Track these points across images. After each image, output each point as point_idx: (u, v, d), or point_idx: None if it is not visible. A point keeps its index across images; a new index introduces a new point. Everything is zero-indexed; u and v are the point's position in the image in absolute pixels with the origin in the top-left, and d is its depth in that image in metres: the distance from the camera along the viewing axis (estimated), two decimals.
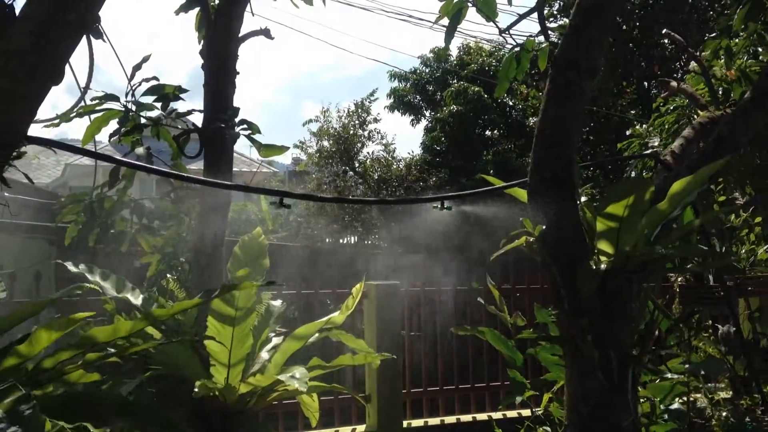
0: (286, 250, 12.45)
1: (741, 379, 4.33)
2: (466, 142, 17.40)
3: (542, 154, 2.86)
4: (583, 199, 2.95)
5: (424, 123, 20.15)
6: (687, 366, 4.36)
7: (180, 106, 4.80)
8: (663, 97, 5.90)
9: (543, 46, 5.44)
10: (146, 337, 3.80)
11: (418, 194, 16.51)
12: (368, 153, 19.29)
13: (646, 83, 17.97)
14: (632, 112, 16.37)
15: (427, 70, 20.33)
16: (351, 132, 18.67)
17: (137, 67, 4.11)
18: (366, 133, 18.99)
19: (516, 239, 2.92)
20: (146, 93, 4.15)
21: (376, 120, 19.53)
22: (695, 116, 4.59)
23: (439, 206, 3.18)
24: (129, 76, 4.05)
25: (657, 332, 3.92)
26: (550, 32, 5.15)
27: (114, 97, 4.05)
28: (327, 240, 17.89)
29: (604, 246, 2.73)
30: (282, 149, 4.35)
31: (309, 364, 3.95)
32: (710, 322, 4.84)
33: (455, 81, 18.80)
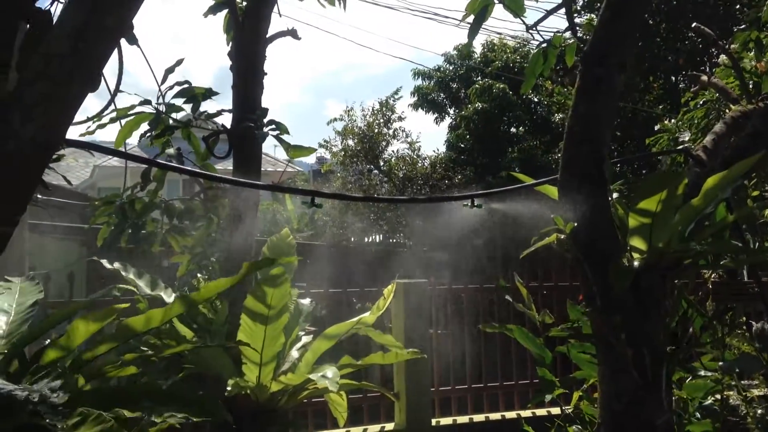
0: (312, 248, 12.51)
1: None
2: (491, 140, 17.32)
3: (573, 151, 2.84)
4: (614, 195, 2.93)
5: (448, 121, 20.11)
6: (721, 363, 4.31)
7: (208, 107, 4.87)
8: (693, 92, 5.83)
9: (570, 42, 5.42)
10: (179, 338, 3.86)
11: (443, 192, 16.47)
12: (393, 151, 19.34)
13: (673, 78, 17.75)
14: (660, 107, 16.16)
15: (451, 68, 20.27)
16: (376, 130, 18.70)
17: (170, 71, 4.16)
18: (391, 132, 19.03)
19: (547, 237, 2.91)
20: (177, 95, 4.21)
21: (400, 118, 19.56)
22: (726, 110, 4.53)
23: (469, 204, 3.18)
24: (161, 80, 4.10)
25: (691, 330, 3.89)
26: (577, 28, 5.12)
27: (147, 102, 4.11)
28: (352, 239, 17.93)
29: (636, 242, 2.71)
30: (310, 150, 4.38)
31: (339, 362, 3.97)
32: (744, 318, 4.77)
33: (479, 78, 18.72)
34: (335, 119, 19.36)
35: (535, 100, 18.56)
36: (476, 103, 17.22)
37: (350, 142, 18.98)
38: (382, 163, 18.85)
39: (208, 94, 4.24)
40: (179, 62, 4.20)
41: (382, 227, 17.91)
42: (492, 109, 17.16)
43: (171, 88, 4.14)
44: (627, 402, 2.60)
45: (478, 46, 20.13)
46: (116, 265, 4.43)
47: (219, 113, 4.30)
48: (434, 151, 19.95)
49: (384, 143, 18.95)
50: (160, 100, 4.17)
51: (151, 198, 5.14)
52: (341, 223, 18.27)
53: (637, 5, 2.94)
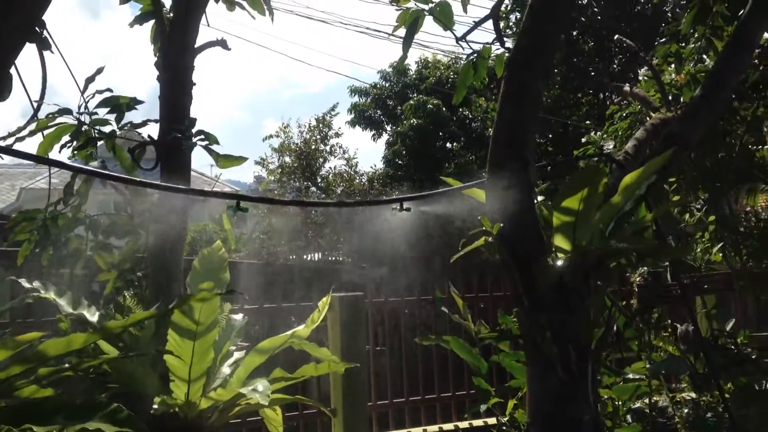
0: (249, 267, 12.32)
1: (701, 377, 4.39)
2: (428, 156, 17.50)
3: (499, 154, 2.88)
4: (539, 198, 2.98)
5: (385, 137, 20.22)
6: (648, 366, 4.42)
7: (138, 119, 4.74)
8: (616, 102, 6.03)
9: (499, 52, 5.53)
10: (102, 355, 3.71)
11: (380, 208, 16.50)
12: (330, 168, 19.28)
13: (601, 95, 18.35)
14: (588, 122, 16.67)
15: (387, 85, 20.43)
16: (313, 147, 18.64)
17: (90, 79, 4.04)
18: (328, 148, 18.99)
19: (475, 239, 2.93)
20: (100, 105, 4.08)
21: (337, 135, 19.55)
22: (647, 119, 4.68)
23: (398, 208, 3.18)
24: (82, 89, 3.97)
25: (617, 332, 3.98)
26: (505, 39, 5.23)
27: (67, 111, 3.98)
28: (291, 257, 17.75)
29: (560, 242, 2.75)
30: (240, 159, 4.31)
31: (271, 375, 3.90)
32: (669, 321, 4.91)
33: (415, 95, 18.92)
34: (271, 136, 19.20)
35: (470, 116, 18.87)
36: (411, 119, 17.39)
37: (287, 159, 18.85)
38: (319, 180, 18.79)
39: (133, 103, 4.13)
40: (100, 70, 4.08)
41: (320, 245, 17.80)
42: (427, 125, 17.36)
43: (93, 96, 4.01)
44: (554, 400, 2.62)
45: (412, 63, 20.38)
46: (35, 283, 4.24)
47: (145, 123, 4.19)
48: (372, 167, 20.03)
49: (321, 160, 18.91)
50: (83, 111, 4.02)
51: (75, 213, 4.96)
52: (278, 242, 18.07)
53: (559, 12, 3.01)
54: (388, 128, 20.28)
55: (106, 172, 3.50)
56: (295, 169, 18.48)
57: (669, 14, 14.99)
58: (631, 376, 4.44)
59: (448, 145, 18.50)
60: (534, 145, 2.96)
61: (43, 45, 3.03)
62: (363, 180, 18.52)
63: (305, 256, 18.08)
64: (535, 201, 2.84)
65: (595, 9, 17.28)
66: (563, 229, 2.72)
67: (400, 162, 18.38)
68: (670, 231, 4.04)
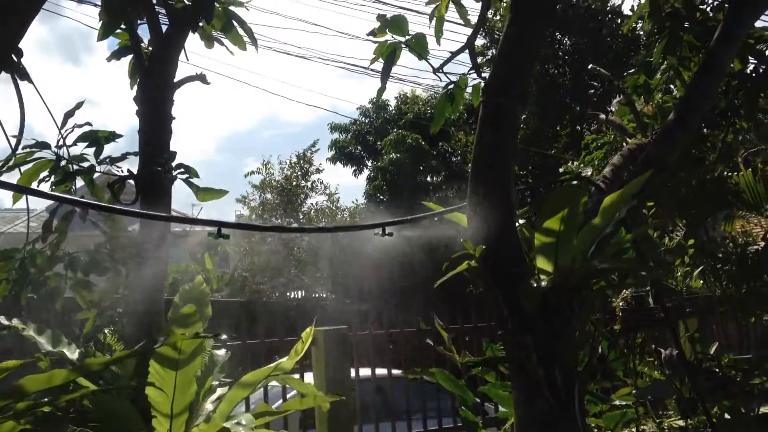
0: (230, 306, 12.22)
1: (688, 401, 4.39)
2: (408, 190, 17.60)
3: (480, 178, 2.90)
4: (520, 221, 2.99)
5: (366, 173, 20.32)
6: (634, 391, 4.41)
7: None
8: (593, 131, 6.11)
9: (475, 83, 5.60)
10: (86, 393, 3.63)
11: (363, 242, 16.49)
12: (312, 204, 19.30)
13: (578, 127, 18.62)
14: (568, 153, 16.88)
15: (366, 121, 20.60)
16: (294, 183, 18.66)
17: (70, 114, 4.02)
18: (309, 184, 19.03)
19: (458, 263, 2.93)
20: (79, 139, 4.06)
21: (318, 170, 19.60)
22: (623, 145, 4.75)
23: (380, 233, 3.18)
24: (61, 123, 3.95)
25: (602, 356, 3.98)
26: (481, 70, 5.31)
27: (45, 145, 3.95)
28: (274, 295, 17.62)
29: (542, 263, 2.76)
30: (221, 193, 4.30)
31: (256, 410, 3.83)
32: (653, 346, 4.92)
33: (395, 130, 19.09)
34: (252, 172, 19.20)
35: (450, 149, 19.04)
36: (391, 153, 17.51)
37: (268, 196, 18.84)
38: (301, 216, 18.77)
39: (112, 137, 4.12)
40: (79, 105, 4.07)
41: (304, 281, 17.70)
42: (406, 159, 17.48)
43: (72, 131, 3.99)
44: (542, 425, 2.60)
45: (392, 99, 20.61)
46: (14, 321, 4.16)
47: (124, 157, 4.17)
48: (353, 202, 20.07)
49: (303, 196, 18.92)
50: (61, 145, 4.00)
51: (53, 251, 4.91)
52: (261, 280, 17.95)
53: (533, 37, 3.07)
54: (369, 164, 20.40)
55: (89, 201, 3.46)
56: (277, 206, 18.47)
57: (642, 45, 15.33)
58: (617, 402, 4.43)
59: (429, 178, 18.63)
60: (513, 168, 2.99)
61: (21, 74, 3.02)
62: (345, 215, 18.53)
63: (288, 294, 17.97)
64: (516, 223, 2.86)
65: (568, 42, 17.64)
66: (545, 250, 2.72)
67: (381, 197, 18.45)
68: (650, 254, 4.07)
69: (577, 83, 17.95)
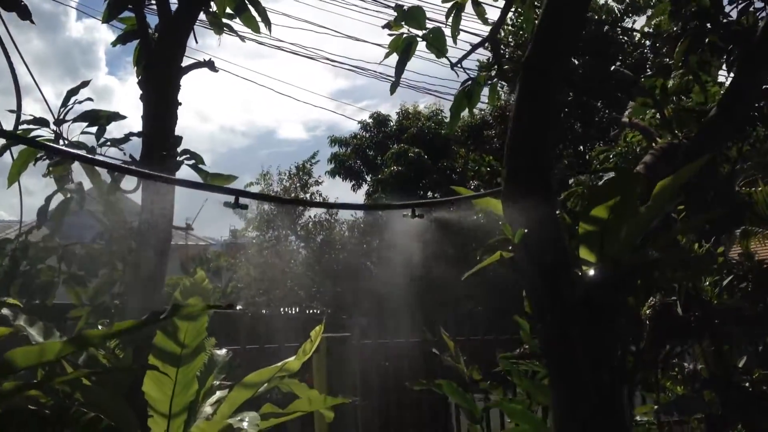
0: (222, 318, 11.91)
1: (717, 418, 4.13)
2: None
3: (516, 162, 2.67)
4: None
5: (365, 188, 20.12)
6: (656, 406, 4.15)
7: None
8: (613, 135, 5.91)
9: (493, 81, 5.38)
10: (78, 386, 3.36)
11: (361, 257, 16.25)
12: (310, 216, 19.04)
13: (581, 147, 18.49)
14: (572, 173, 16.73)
15: (367, 135, 20.45)
16: (292, 195, 18.42)
17: (73, 92, 3.78)
18: (308, 196, 18.77)
19: (494, 249, 2.69)
20: (79, 118, 3.82)
21: (317, 182, 19.39)
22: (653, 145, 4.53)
23: (410, 214, 2.96)
24: (63, 101, 3.71)
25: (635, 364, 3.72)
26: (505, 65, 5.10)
27: (44, 122, 3.69)
28: (265, 310, 17.28)
29: (585, 254, 2.52)
30: (231, 178, 4.06)
31: (261, 410, 3.55)
32: (676, 359, 4.68)
33: (395, 145, 18.93)
34: (251, 183, 18.95)
35: (451, 165, 18.87)
36: (393, 166, 17.33)
37: (266, 207, 18.59)
38: (299, 229, 18.50)
39: (115, 117, 3.87)
40: (85, 84, 3.84)
41: (299, 294, 17.38)
42: (408, 173, 17.29)
43: (72, 107, 3.73)
44: (585, 427, 2.34)
45: (393, 114, 20.49)
46: (4, 311, 3.90)
47: (127, 138, 3.92)
48: (352, 215, 19.84)
49: (301, 208, 18.69)
50: (61, 121, 3.75)
51: (46, 242, 4.65)
52: (256, 293, 17.61)
53: (575, 12, 2.84)
54: (368, 178, 20.21)
55: (105, 160, 3.19)
56: (275, 217, 18.21)
57: (649, 67, 15.21)
58: (638, 418, 4.19)
59: (430, 193, 18.43)
60: (552, 150, 2.76)
61: (22, 14, 2.79)
62: (343, 228, 18.29)
63: (282, 310, 17.64)
64: (557, 209, 2.62)
65: (576, 62, 17.53)
66: (589, 239, 2.49)
67: (380, 213, 18.20)
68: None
69: (579, 104, 17.82)
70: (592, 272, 2.49)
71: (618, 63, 17.63)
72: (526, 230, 2.42)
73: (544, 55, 2.78)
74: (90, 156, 3.29)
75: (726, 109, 3.20)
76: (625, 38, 17.64)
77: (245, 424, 2.93)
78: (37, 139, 3.74)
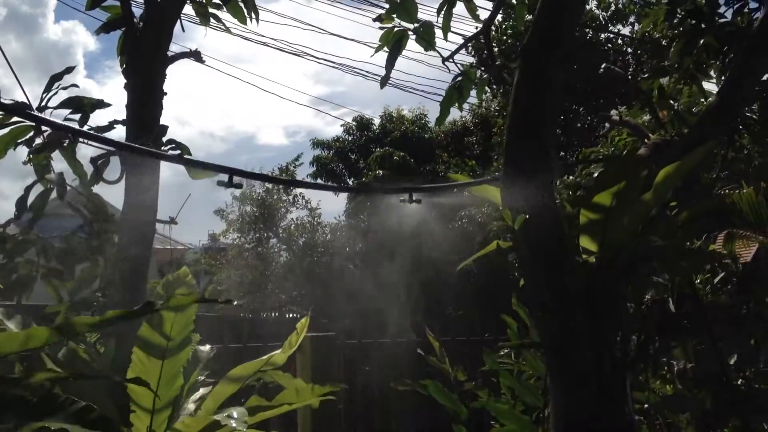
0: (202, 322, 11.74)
1: (709, 415, 4.09)
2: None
3: (516, 147, 2.61)
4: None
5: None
6: (647, 405, 4.11)
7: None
8: (603, 134, 5.89)
9: (484, 77, 5.32)
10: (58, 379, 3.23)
11: (344, 260, 16.14)
12: (293, 219, 18.88)
13: (563, 153, 18.52)
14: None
15: (349, 139, 20.36)
16: (275, 197, 18.25)
17: (57, 77, 3.66)
18: (290, 198, 18.61)
19: (496, 232, 2.62)
20: (62, 105, 3.70)
21: None
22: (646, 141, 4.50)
23: (407, 199, 2.88)
24: (46, 86, 3.58)
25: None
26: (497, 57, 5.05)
27: (24, 107, 3.56)
28: (244, 315, 17.08)
29: (586, 242, 2.46)
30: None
31: (247, 403, 3.44)
32: (665, 358, 4.64)
33: (378, 149, 18.85)
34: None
35: (434, 170, 18.81)
36: (377, 170, 17.23)
37: (248, 209, 18.41)
38: (281, 231, 18.33)
39: (99, 105, 3.76)
40: (69, 69, 3.72)
41: (280, 296, 17.21)
42: (391, 177, 17.20)
43: (55, 92, 3.61)
44: (586, 418, 2.28)
45: (376, 118, 20.42)
46: None
47: (111, 126, 3.81)
48: (335, 218, 19.68)
49: (283, 210, 18.51)
50: (43, 107, 3.63)
51: (25, 234, 4.52)
52: (236, 297, 17.40)
53: None
54: (350, 182, 20.09)
55: (95, 133, 3.08)
56: (256, 219, 18.03)
57: (630, 72, 15.31)
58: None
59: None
60: (553, 134, 2.70)
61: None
62: (326, 231, 18.13)
63: (263, 314, 17.46)
64: (557, 196, 2.56)
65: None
66: (591, 227, 2.42)
67: (362, 217, 18.10)
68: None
69: (567, 112, 17.85)
70: (593, 259, 2.43)
71: (600, 70, 17.68)
72: (527, 216, 2.35)
73: (545, 36, 2.72)
74: (91, 132, 3.16)
75: (724, 98, 3.16)
76: (609, 45, 17.72)
77: (233, 422, 2.81)
78: (17, 126, 3.62)
